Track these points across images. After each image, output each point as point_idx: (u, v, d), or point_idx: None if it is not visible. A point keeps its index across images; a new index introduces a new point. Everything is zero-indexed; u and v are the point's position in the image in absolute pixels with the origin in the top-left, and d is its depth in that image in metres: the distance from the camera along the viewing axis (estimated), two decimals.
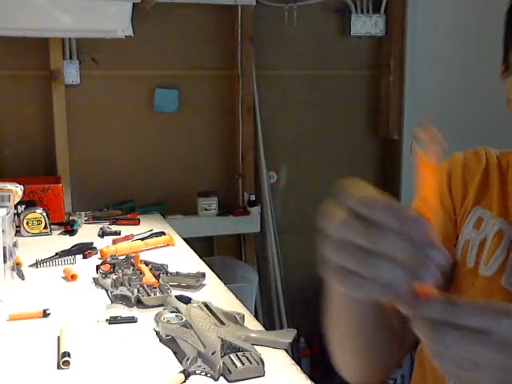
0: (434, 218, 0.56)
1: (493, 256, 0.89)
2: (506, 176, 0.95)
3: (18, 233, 2.07)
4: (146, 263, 1.69)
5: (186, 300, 1.37)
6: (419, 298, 0.53)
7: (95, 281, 1.65)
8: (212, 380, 1.08)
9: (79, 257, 1.89)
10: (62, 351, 1.17)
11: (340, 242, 0.57)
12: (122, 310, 1.42)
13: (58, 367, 1.14)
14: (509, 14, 0.86)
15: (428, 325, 0.53)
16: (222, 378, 1.09)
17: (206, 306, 1.31)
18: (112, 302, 1.48)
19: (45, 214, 2.19)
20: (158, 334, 1.27)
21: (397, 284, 0.53)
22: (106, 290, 1.57)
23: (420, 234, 0.53)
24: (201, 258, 1.93)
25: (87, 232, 2.25)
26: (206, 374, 1.09)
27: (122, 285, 1.52)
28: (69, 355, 1.15)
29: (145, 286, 1.51)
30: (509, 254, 0.88)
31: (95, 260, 1.85)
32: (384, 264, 0.53)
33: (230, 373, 1.08)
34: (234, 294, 1.58)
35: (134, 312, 1.42)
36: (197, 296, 1.48)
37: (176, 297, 1.40)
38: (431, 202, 0.57)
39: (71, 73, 2.62)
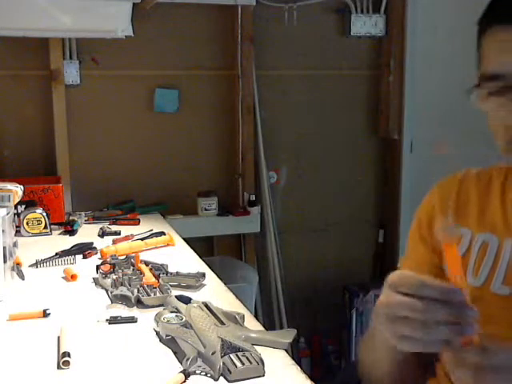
0: (464, 285, 0.74)
1: (480, 267, 0.96)
2: (487, 188, 1.01)
3: (18, 233, 2.07)
4: (146, 263, 1.69)
5: (186, 300, 1.37)
6: (461, 348, 0.72)
7: (95, 281, 1.65)
8: (212, 380, 1.08)
9: (79, 257, 1.89)
10: (62, 351, 1.17)
11: (400, 316, 0.73)
12: (122, 310, 1.42)
13: (58, 367, 1.14)
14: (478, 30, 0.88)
15: (470, 367, 0.71)
16: (222, 377, 1.09)
17: (206, 306, 1.31)
18: (112, 302, 1.48)
19: (45, 214, 2.19)
20: (157, 334, 1.27)
21: (450, 340, 0.71)
22: (106, 290, 1.57)
23: (458, 299, 0.71)
24: (201, 258, 1.93)
25: (87, 232, 2.25)
26: (206, 374, 1.09)
27: (122, 285, 1.52)
28: (69, 355, 1.15)
29: (145, 286, 1.51)
30: (495, 262, 0.95)
31: (95, 260, 1.85)
32: (436, 328, 0.70)
33: (230, 373, 1.08)
34: (234, 293, 1.58)
35: (134, 312, 1.42)
36: (197, 296, 1.48)
37: (176, 297, 1.40)
38: (459, 273, 0.75)
39: (71, 73, 2.62)
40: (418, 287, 0.72)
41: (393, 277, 0.75)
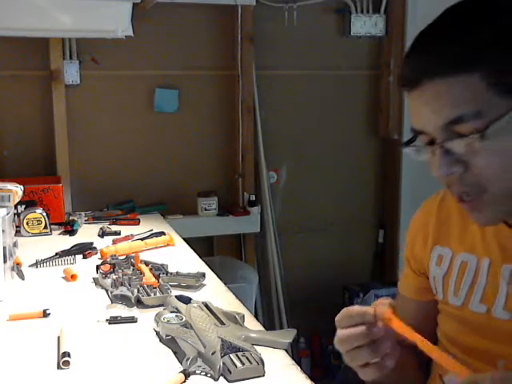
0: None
1: (460, 287, 0.99)
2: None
3: (18, 233, 2.07)
4: (146, 263, 1.69)
5: (186, 300, 1.37)
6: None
7: (95, 281, 1.65)
8: (212, 380, 1.08)
9: (79, 257, 1.89)
10: (62, 351, 1.17)
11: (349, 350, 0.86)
12: (122, 310, 1.42)
13: (58, 367, 1.14)
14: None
15: None
16: (222, 377, 1.09)
17: (206, 306, 1.31)
18: (112, 302, 1.48)
19: (45, 214, 2.19)
20: (157, 334, 1.27)
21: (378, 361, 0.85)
22: (106, 290, 1.57)
23: (369, 319, 0.83)
24: (201, 258, 1.93)
25: (87, 232, 2.25)
26: (206, 374, 1.09)
27: (122, 285, 1.52)
28: (69, 355, 1.15)
29: (145, 286, 1.51)
30: (473, 281, 0.97)
31: (95, 260, 1.85)
32: (362, 351, 0.84)
33: (230, 373, 1.08)
34: (234, 294, 1.58)
35: (134, 312, 1.42)
36: (197, 296, 1.48)
37: (176, 297, 1.40)
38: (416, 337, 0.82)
39: (71, 73, 2.62)
40: (348, 319, 0.85)
41: (337, 316, 0.87)
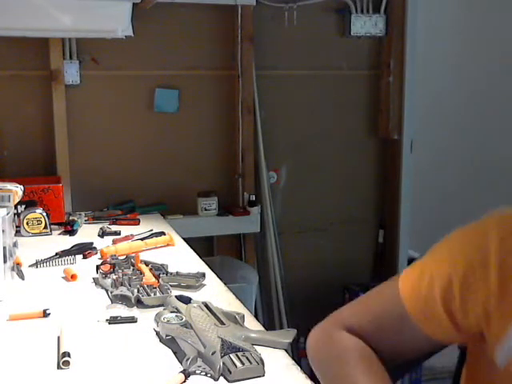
0: None
1: None
2: None
3: (18, 233, 2.07)
4: (146, 263, 1.69)
5: (186, 300, 1.37)
6: None
7: (95, 281, 1.65)
8: (212, 380, 1.08)
9: (79, 257, 1.89)
10: (62, 351, 1.17)
11: None
12: (122, 310, 1.42)
13: (58, 367, 1.14)
14: None
15: None
16: (222, 377, 1.09)
17: (206, 306, 1.32)
18: (112, 302, 1.48)
19: (45, 214, 2.19)
20: (157, 334, 1.27)
21: None
22: (106, 290, 1.57)
23: None
24: (201, 258, 1.93)
25: (87, 232, 2.25)
26: (206, 374, 1.09)
27: (122, 285, 1.52)
28: (69, 355, 1.15)
29: (145, 286, 1.51)
30: None
31: (95, 260, 1.85)
32: None
33: (230, 373, 1.08)
34: (234, 294, 1.58)
35: (134, 312, 1.42)
36: (197, 296, 1.48)
37: (176, 297, 1.40)
38: None
39: (71, 73, 2.62)
40: None
41: None
